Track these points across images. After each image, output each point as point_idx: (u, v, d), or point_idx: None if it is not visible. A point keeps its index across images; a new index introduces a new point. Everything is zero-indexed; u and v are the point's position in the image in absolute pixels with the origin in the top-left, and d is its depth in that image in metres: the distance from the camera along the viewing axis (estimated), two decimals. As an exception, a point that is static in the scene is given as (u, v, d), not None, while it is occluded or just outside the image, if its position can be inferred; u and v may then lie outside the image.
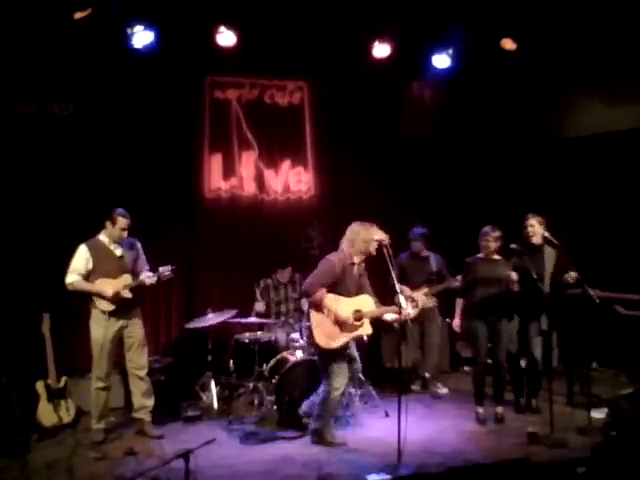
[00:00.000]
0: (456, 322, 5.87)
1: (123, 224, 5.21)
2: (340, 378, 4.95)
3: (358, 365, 5.26)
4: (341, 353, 4.97)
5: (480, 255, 5.63)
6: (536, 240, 5.66)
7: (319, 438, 5.07)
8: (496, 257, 5.58)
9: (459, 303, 5.82)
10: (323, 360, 5.02)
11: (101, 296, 5.13)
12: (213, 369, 6.14)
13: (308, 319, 5.19)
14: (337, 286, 4.94)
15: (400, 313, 4.76)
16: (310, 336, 5.13)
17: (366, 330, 4.98)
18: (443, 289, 6.32)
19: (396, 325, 5.03)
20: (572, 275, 5.45)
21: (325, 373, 4.99)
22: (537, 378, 5.75)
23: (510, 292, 5.46)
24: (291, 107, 7.42)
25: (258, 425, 5.52)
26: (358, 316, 4.91)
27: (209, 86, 7.11)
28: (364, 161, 7.63)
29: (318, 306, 4.93)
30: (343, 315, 4.87)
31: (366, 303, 4.99)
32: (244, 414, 5.79)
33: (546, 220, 5.71)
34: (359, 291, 5.04)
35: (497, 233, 5.53)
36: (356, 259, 5.01)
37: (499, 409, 5.59)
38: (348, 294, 4.97)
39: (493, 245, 5.53)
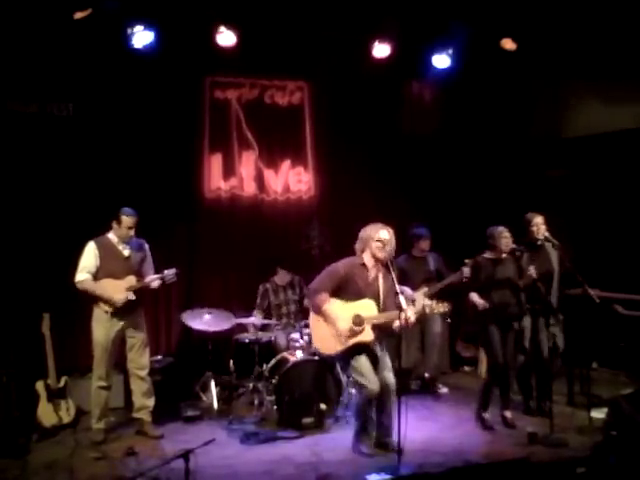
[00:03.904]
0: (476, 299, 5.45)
1: (129, 223, 5.22)
2: (364, 375, 4.73)
3: (387, 375, 4.85)
4: (352, 352, 4.78)
5: (490, 255, 5.48)
6: (542, 237, 5.61)
7: (354, 442, 4.96)
8: (504, 255, 5.49)
9: (474, 295, 5.44)
10: (340, 364, 5.05)
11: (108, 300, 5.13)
12: (213, 369, 6.13)
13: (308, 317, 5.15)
14: (344, 290, 4.84)
15: (401, 313, 4.70)
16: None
17: (366, 337, 4.75)
18: (445, 285, 6.31)
19: (396, 327, 4.80)
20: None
21: (350, 376, 4.96)
22: (547, 379, 5.62)
23: (523, 291, 5.44)
24: (291, 107, 7.42)
25: (258, 425, 5.52)
26: (358, 321, 4.74)
27: (209, 86, 7.11)
28: (364, 161, 7.63)
29: (318, 311, 4.89)
30: (341, 329, 4.74)
31: (368, 308, 4.81)
32: (244, 414, 5.79)
33: (546, 220, 5.72)
34: (374, 296, 4.85)
35: (508, 233, 5.44)
36: (367, 261, 4.88)
37: (508, 413, 5.46)
38: (359, 297, 4.84)
39: (506, 245, 5.41)
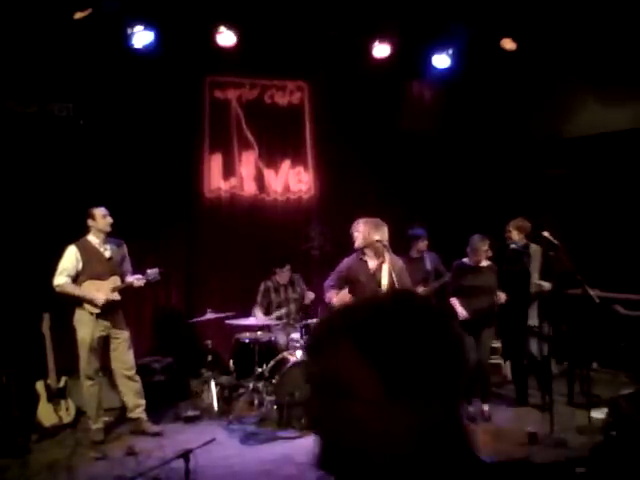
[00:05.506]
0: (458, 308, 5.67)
1: (102, 211, 5.23)
2: None
3: None
4: None
5: (468, 261, 5.65)
6: (512, 243, 5.81)
7: None
8: (483, 264, 5.63)
9: (455, 302, 5.67)
10: None
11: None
12: (213, 369, 6.14)
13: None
14: (351, 284, 5.16)
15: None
16: None
17: None
18: (441, 285, 6.34)
19: None
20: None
21: None
22: (547, 376, 5.67)
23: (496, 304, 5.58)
24: (291, 107, 7.43)
25: (258, 425, 5.52)
26: None
27: (209, 86, 7.12)
28: (364, 161, 7.63)
29: (328, 304, 5.26)
30: None
31: None
32: (244, 414, 5.79)
33: (531, 223, 5.86)
34: (377, 286, 5.07)
35: (486, 245, 5.56)
36: (367, 257, 5.11)
37: (485, 407, 5.67)
38: (363, 290, 5.08)
39: (484, 256, 5.59)
